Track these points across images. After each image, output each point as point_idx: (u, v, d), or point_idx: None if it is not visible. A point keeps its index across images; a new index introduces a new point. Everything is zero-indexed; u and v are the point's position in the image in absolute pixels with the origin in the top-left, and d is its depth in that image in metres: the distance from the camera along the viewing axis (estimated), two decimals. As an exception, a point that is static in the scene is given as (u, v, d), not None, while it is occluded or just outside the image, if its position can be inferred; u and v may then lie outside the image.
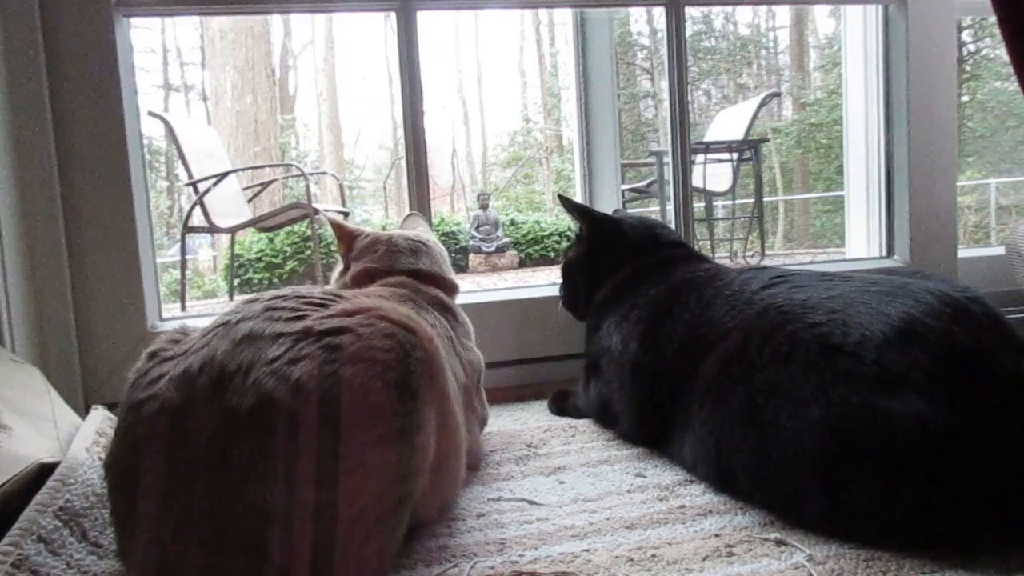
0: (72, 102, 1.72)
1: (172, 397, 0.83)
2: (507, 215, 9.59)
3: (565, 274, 1.77)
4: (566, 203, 1.72)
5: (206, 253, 10.89)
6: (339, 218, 1.55)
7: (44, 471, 1.04)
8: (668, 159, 2.19)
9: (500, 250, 8.13)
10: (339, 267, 1.52)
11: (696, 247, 1.80)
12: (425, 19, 2.00)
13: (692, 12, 13.76)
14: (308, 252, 7.31)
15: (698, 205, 4.99)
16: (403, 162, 2.08)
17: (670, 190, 2.20)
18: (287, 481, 0.80)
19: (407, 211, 1.89)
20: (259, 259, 7.70)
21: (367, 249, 1.47)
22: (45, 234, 1.69)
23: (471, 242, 8.28)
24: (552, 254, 8.70)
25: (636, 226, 1.68)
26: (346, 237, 1.51)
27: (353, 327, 0.91)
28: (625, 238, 1.65)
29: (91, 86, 1.73)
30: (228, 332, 0.89)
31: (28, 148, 1.67)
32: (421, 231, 1.58)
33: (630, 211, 2.23)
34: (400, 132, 1.99)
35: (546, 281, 2.21)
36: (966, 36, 11.46)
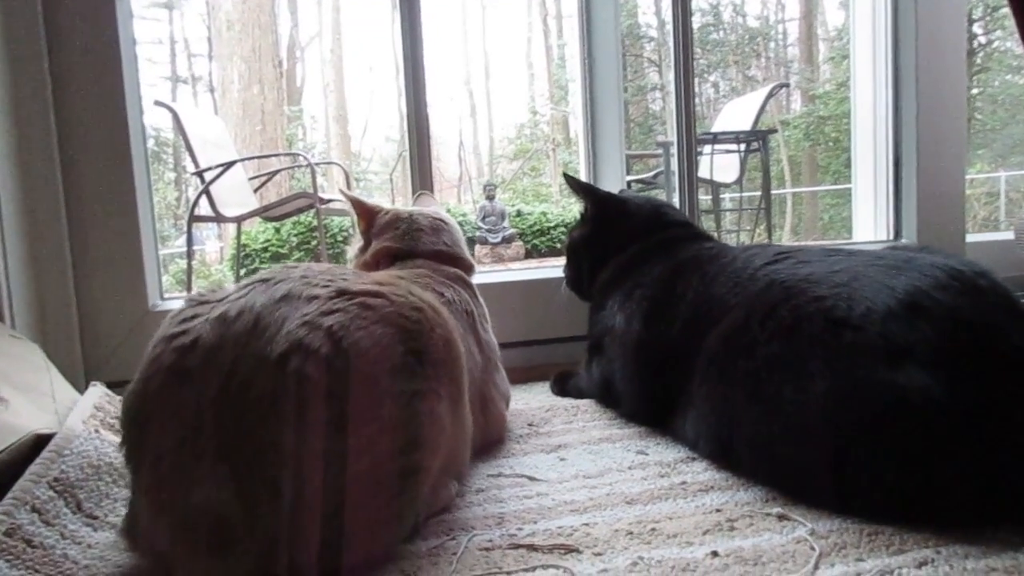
0: (73, 77, 1.71)
1: (207, 336, 0.85)
2: (513, 206, 9.56)
3: (569, 254, 1.76)
4: (571, 182, 1.71)
5: (213, 245, 10.91)
6: (357, 194, 1.55)
7: (40, 442, 1.04)
8: (675, 150, 2.18)
9: (506, 241, 8.11)
10: (356, 244, 1.53)
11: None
12: (432, 7, 2.00)
13: (700, 3, 13.70)
14: (314, 242, 7.30)
15: (705, 197, 4.96)
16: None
17: (676, 181, 2.19)
18: (309, 424, 0.80)
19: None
20: (265, 249, 7.70)
21: (388, 226, 1.48)
22: (46, 211, 1.68)
23: (477, 233, 8.26)
24: (558, 245, 8.67)
25: (642, 206, 1.67)
26: (366, 214, 1.52)
27: (386, 293, 0.94)
28: (630, 218, 1.63)
29: (91, 60, 1.72)
30: (268, 289, 0.91)
31: (28, 124, 1.66)
32: (435, 209, 1.59)
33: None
34: (407, 124, 1.98)
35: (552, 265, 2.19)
36: (977, 28, 11.37)
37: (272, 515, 0.79)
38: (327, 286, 0.92)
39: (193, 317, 0.89)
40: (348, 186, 5.05)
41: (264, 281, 0.94)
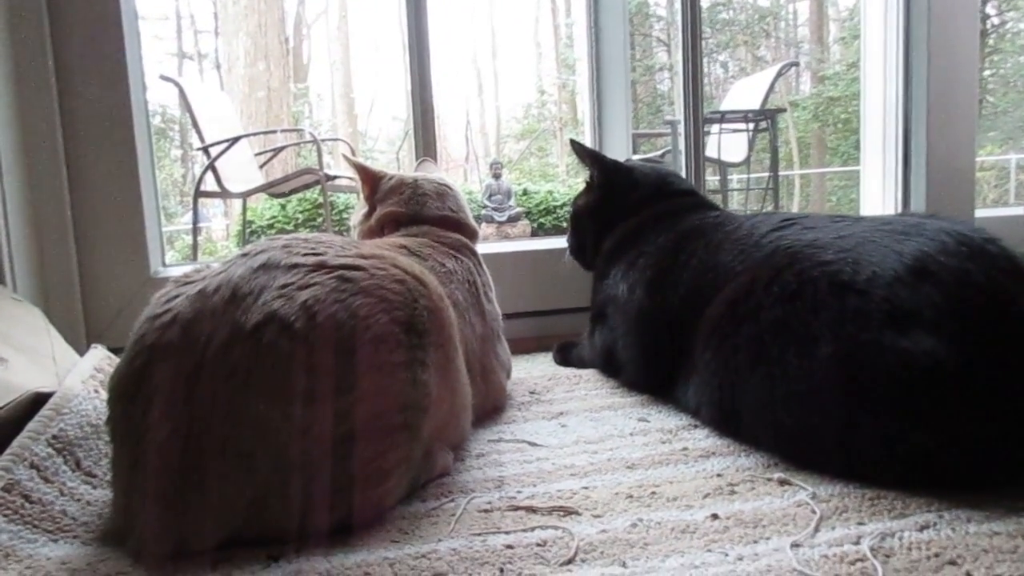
0: (75, 50, 1.70)
1: (186, 311, 0.86)
2: (520, 185, 9.50)
3: (573, 222, 1.75)
4: (578, 148, 1.69)
5: (219, 222, 10.90)
6: (361, 160, 1.54)
7: (39, 400, 1.04)
8: (682, 129, 2.16)
9: (512, 220, 8.03)
10: (361, 210, 1.53)
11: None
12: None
13: (711, -18, 13.53)
14: (320, 219, 7.29)
15: (713, 178, 4.93)
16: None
17: (683, 160, 2.18)
18: (283, 395, 0.81)
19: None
20: (271, 226, 7.67)
21: (393, 191, 1.48)
22: (47, 177, 1.68)
23: (483, 212, 8.21)
24: (564, 224, 8.59)
25: (648, 174, 1.65)
26: (370, 179, 1.51)
27: (367, 267, 0.94)
28: (637, 186, 1.62)
29: (93, 33, 1.71)
30: (247, 261, 0.92)
31: (30, 87, 1.65)
32: (440, 175, 1.58)
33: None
34: (412, 103, 1.97)
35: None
36: (990, 9, 11.22)
37: (249, 484, 0.80)
38: (308, 255, 0.93)
39: (176, 296, 0.90)
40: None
41: (245, 255, 0.94)
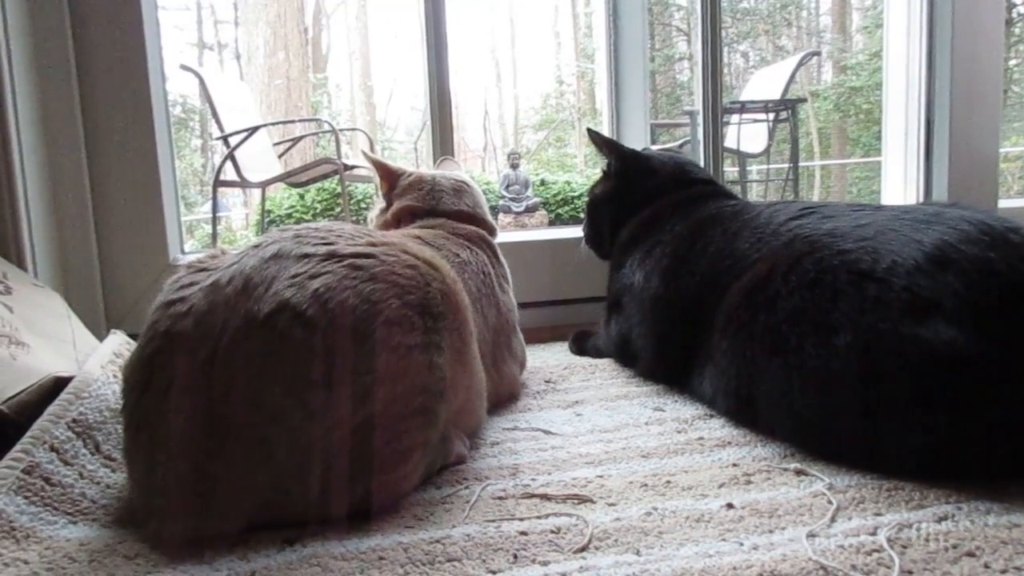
0: (95, 39, 1.71)
1: (200, 303, 0.86)
2: (537, 175, 9.47)
3: (590, 210, 1.74)
4: (595, 137, 1.69)
5: (239, 212, 10.95)
6: (380, 157, 1.55)
7: (59, 385, 1.05)
8: (701, 119, 2.15)
9: (530, 210, 8.01)
10: (379, 205, 1.54)
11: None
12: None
13: (731, -29, 13.39)
14: (338, 209, 7.31)
15: (732, 168, 4.89)
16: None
17: (702, 151, 2.17)
18: (298, 382, 0.82)
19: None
20: (290, 215, 7.70)
21: (410, 187, 1.49)
22: (67, 163, 1.69)
23: (500, 202, 8.19)
24: (582, 215, 8.56)
25: (666, 163, 1.64)
26: (388, 175, 1.53)
27: (377, 254, 0.94)
28: (654, 175, 1.61)
29: (113, 21, 1.71)
30: (258, 251, 0.92)
31: (50, 75, 1.66)
32: (458, 174, 1.59)
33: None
34: (429, 93, 1.98)
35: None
36: (1016, -3, 11.02)
37: (266, 470, 0.81)
38: (319, 244, 0.93)
39: (191, 284, 0.90)
40: (372, 152, 5.02)
41: (257, 246, 0.95)
